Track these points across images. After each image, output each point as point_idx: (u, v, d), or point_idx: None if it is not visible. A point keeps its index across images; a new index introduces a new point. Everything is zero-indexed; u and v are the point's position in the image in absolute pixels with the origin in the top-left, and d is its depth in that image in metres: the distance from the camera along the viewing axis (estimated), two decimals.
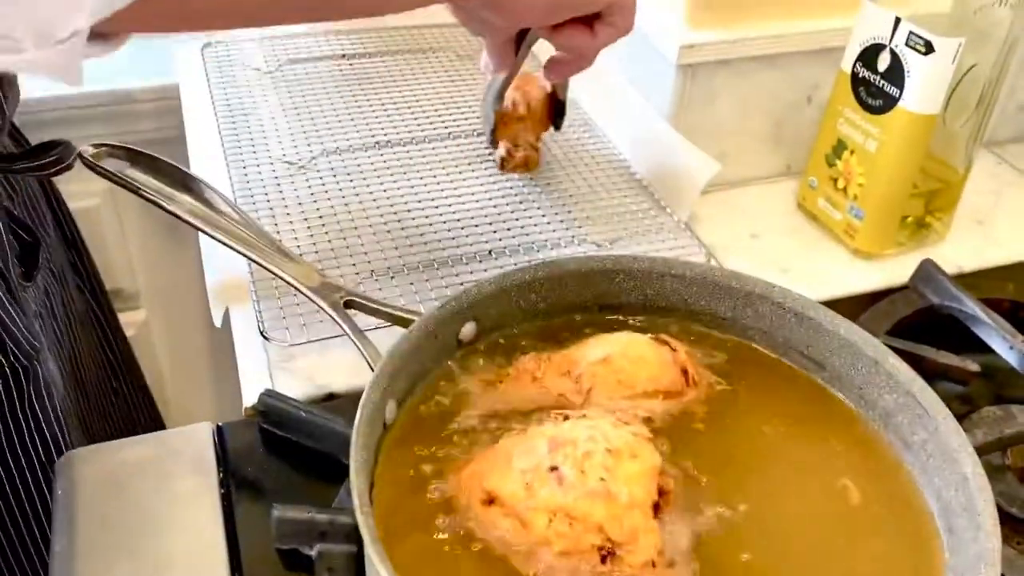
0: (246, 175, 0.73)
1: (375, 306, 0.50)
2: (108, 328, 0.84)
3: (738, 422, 0.48)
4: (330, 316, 0.49)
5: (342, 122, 0.80)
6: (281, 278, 0.51)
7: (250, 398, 0.56)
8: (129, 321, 1.05)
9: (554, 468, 0.40)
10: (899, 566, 0.43)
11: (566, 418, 0.43)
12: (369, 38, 0.94)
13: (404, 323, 0.50)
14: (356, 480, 0.38)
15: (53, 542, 0.47)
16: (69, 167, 0.62)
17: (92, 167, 0.53)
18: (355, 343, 0.47)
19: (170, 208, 0.51)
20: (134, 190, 0.52)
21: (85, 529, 0.48)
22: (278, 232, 0.67)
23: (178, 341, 1.10)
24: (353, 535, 0.41)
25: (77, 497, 0.49)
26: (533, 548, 0.39)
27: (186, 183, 0.55)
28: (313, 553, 0.42)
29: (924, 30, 0.61)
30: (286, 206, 0.70)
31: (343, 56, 0.91)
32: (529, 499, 0.40)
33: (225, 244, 0.51)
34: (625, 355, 0.47)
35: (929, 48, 0.61)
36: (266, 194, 0.71)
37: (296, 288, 0.51)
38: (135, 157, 0.55)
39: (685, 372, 0.48)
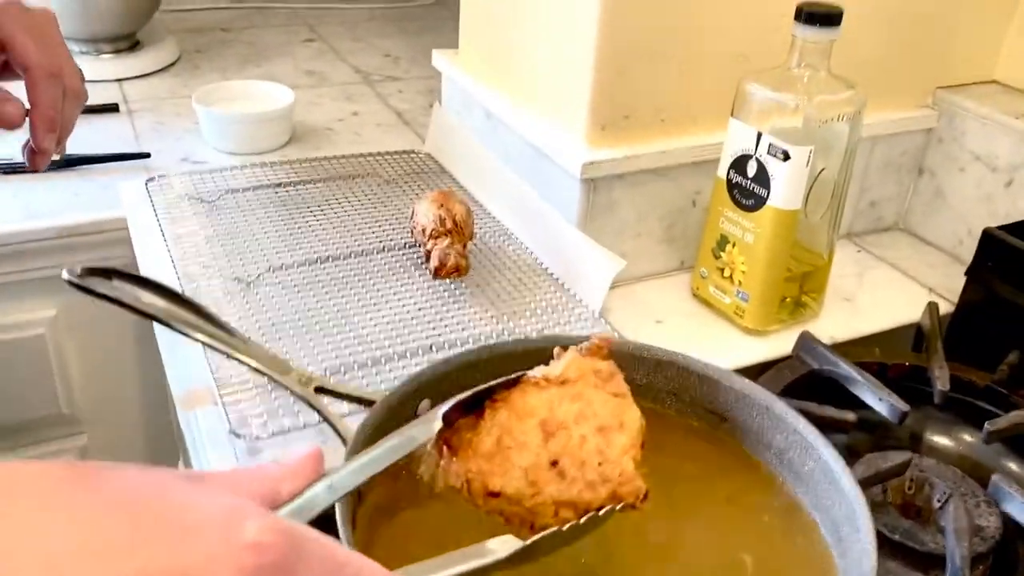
0: (198, 291, 0.80)
1: (343, 391, 0.57)
2: None
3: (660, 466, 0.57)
4: (304, 402, 0.56)
5: (284, 241, 0.88)
6: (259, 371, 0.57)
7: None
8: (71, 447, 1.08)
9: (554, 463, 0.44)
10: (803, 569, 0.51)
11: (548, 380, 0.47)
12: (302, 167, 1.04)
13: (368, 404, 0.57)
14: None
15: None
16: None
17: (77, 286, 0.59)
18: (329, 422, 0.54)
19: (151, 312, 0.57)
20: (116, 302, 0.58)
21: None
22: None
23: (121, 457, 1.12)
24: None
25: None
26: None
27: (159, 293, 0.62)
28: None
29: (781, 141, 0.74)
30: (239, 318, 0.77)
31: (279, 184, 0.99)
32: (535, 495, 0.44)
33: (205, 344, 0.58)
34: None
35: (786, 156, 0.74)
36: (219, 309, 0.78)
37: (272, 378, 0.57)
38: (110, 274, 0.61)
39: None
